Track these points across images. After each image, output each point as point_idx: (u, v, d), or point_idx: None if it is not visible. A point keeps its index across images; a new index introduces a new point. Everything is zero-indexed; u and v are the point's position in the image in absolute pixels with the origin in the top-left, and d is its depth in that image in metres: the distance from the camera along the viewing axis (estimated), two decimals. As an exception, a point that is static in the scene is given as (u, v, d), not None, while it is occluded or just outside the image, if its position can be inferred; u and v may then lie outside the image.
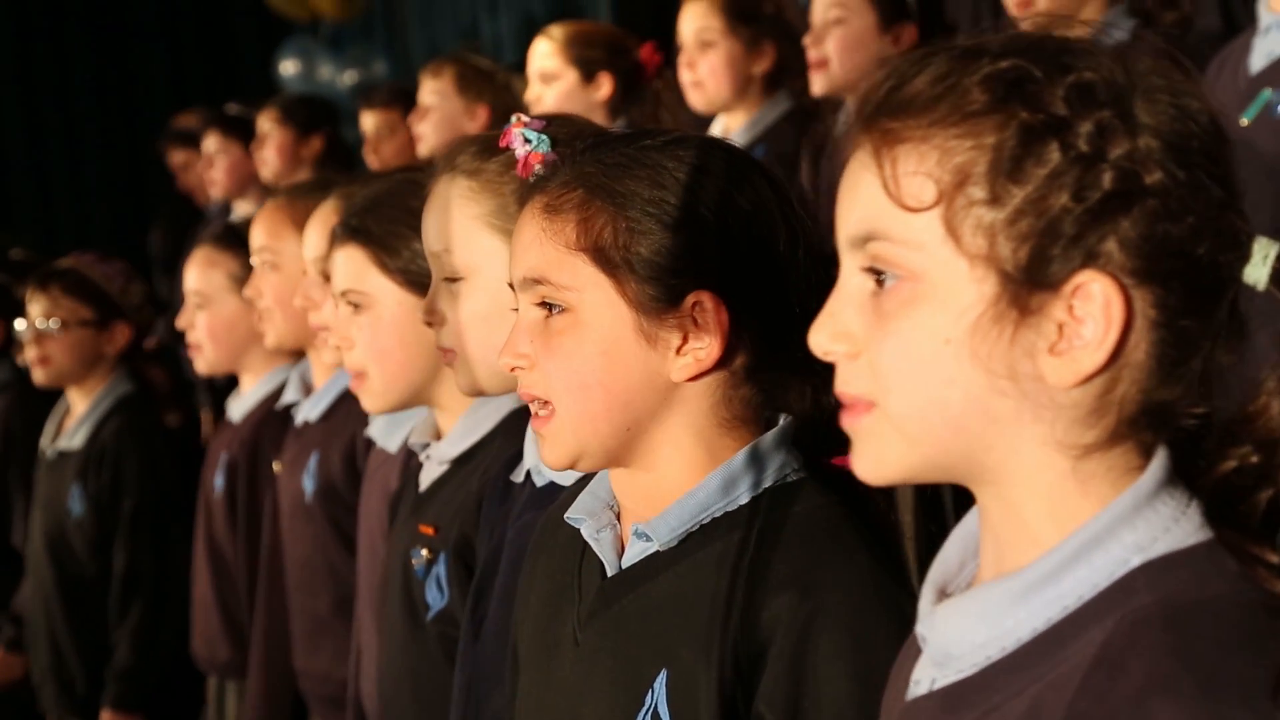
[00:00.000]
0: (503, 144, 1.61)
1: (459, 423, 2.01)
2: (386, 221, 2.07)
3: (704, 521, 1.41)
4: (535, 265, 1.43)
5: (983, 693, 1.03)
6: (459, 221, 1.80)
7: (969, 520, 1.13)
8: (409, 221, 2.01)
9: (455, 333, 1.81)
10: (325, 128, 5.25)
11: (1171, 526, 1.02)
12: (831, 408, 1.44)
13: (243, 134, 5.46)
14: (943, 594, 1.11)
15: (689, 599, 1.38)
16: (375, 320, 2.06)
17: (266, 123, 5.19)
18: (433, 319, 1.83)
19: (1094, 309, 0.99)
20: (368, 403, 2.10)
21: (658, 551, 1.42)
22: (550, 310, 1.43)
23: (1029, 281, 1.00)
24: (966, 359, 1.01)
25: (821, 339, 1.07)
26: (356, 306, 2.08)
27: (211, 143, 5.65)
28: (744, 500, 1.41)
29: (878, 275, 1.04)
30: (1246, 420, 1.02)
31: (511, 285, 1.48)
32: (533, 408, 1.46)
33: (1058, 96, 1.00)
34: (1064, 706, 0.98)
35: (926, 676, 1.09)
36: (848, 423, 1.07)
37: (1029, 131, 1.00)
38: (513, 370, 1.45)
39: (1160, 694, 0.94)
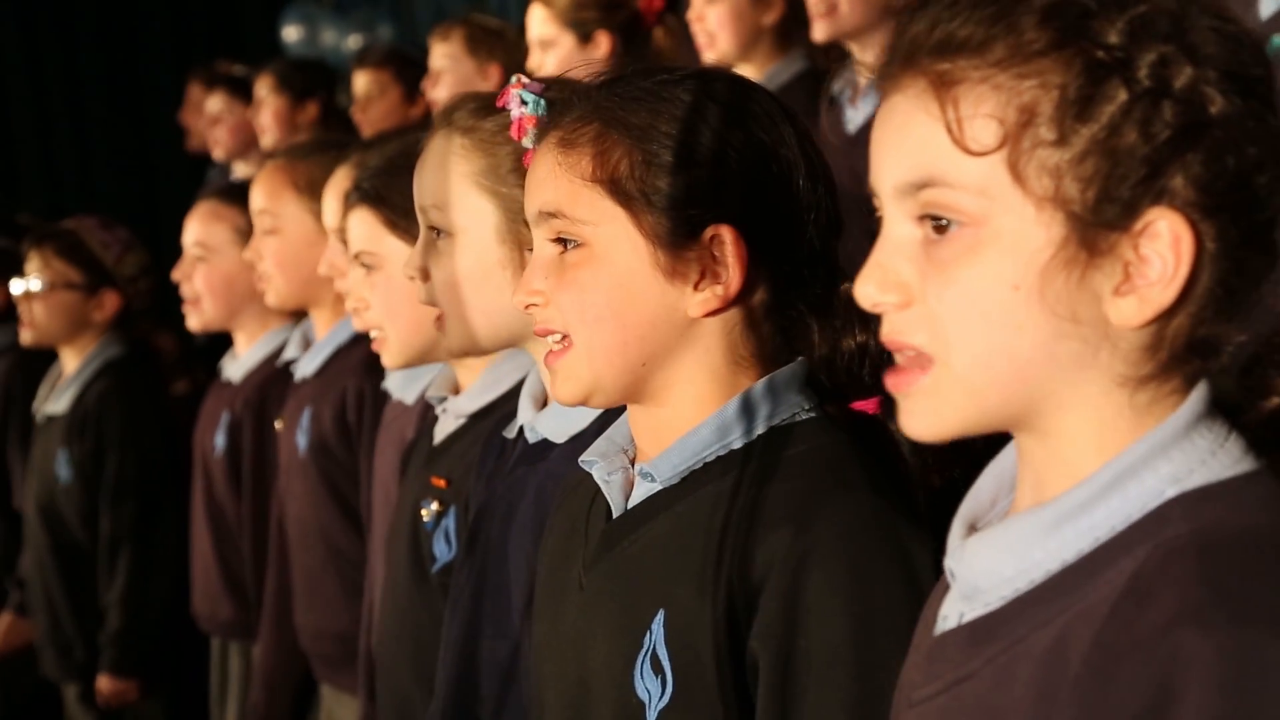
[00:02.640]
0: (500, 104, 1.60)
1: (481, 377, 2.02)
2: (397, 183, 2.07)
3: (707, 459, 1.38)
4: (551, 199, 1.40)
5: (1009, 625, 1.01)
6: (449, 178, 1.80)
7: (1005, 455, 1.10)
8: None
9: (441, 290, 1.81)
10: (320, 93, 5.22)
11: (1208, 459, 0.99)
12: (851, 350, 1.43)
13: (248, 96, 5.45)
14: (972, 529, 1.09)
15: (687, 538, 1.36)
16: (387, 280, 2.08)
17: (262, 90, 5.18)
18: (417, 275, 1.83)
19: (1161, 246, 0.98)
20: (386, 359, 2.12)
21: (660, 491, 1.39)
22: (565, 246, 1.41)
23: (1098, 222, 0.98)
24: (1036, 304, 0.98)
25: (870, 290, 1.03)
26: (370, 268, 2.11)
27: (216, 102, 5.65)
28: (747, 439, 1.38)
29: (934, 222, 1.01)
30: None
31: (526, 224, 1.46)
32: (550, 343, 1.43)
33: (1118, 31, 0.97)
34: (1091, 636, 0.95)
35: (955, 611, 1.07)
36: (898, 384, 1.03)
37: (1095, 69, 0.97)
38: (528, 308, 1.43)
39: (1189, 623, 0.91)
